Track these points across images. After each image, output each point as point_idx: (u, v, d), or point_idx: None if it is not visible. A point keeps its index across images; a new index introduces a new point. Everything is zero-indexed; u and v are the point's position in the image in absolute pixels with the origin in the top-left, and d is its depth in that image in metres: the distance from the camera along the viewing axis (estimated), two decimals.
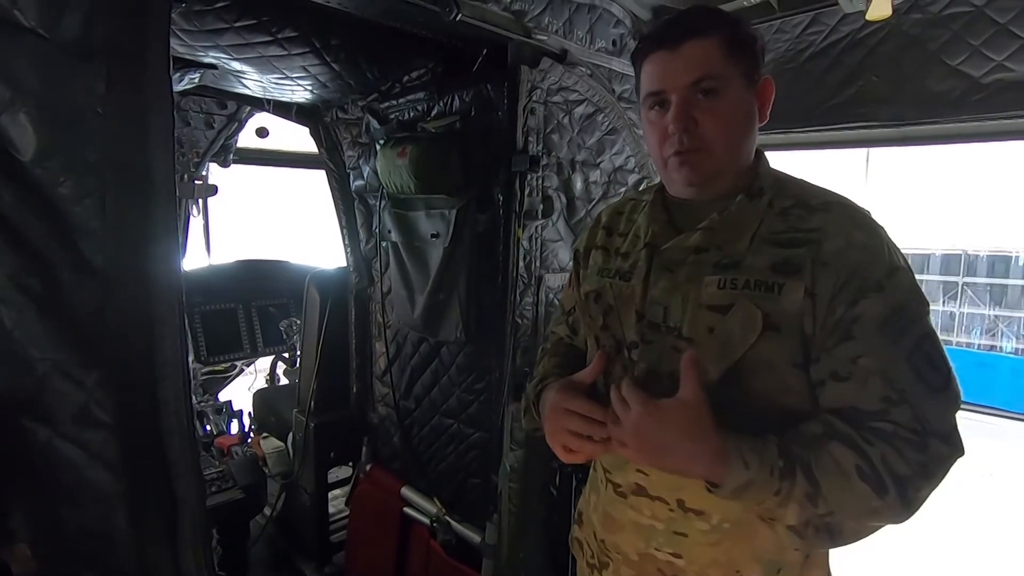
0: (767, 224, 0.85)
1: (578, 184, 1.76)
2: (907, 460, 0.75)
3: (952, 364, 0.79)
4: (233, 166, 2.96)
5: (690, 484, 0.87)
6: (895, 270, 0.79)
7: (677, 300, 0.88)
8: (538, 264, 1.69)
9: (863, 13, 1.51)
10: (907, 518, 0.78)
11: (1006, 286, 16.25)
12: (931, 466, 0.75)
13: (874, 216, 0.85)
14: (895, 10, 1.44)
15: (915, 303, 0.79)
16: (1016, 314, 15.92)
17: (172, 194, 0.94)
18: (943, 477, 0.77)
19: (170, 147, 0.93)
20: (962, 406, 0.80)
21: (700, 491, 0.84)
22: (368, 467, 2.37)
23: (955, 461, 0.77)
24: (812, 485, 0.75)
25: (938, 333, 0.81)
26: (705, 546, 0.89)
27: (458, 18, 1.34)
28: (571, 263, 1.24)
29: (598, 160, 1.82)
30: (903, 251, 0.84)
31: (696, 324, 0.86)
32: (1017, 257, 16.03)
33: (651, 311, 0.91)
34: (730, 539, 0.88)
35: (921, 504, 0.77)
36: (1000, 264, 16.44)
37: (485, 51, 1.68)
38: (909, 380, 0.77)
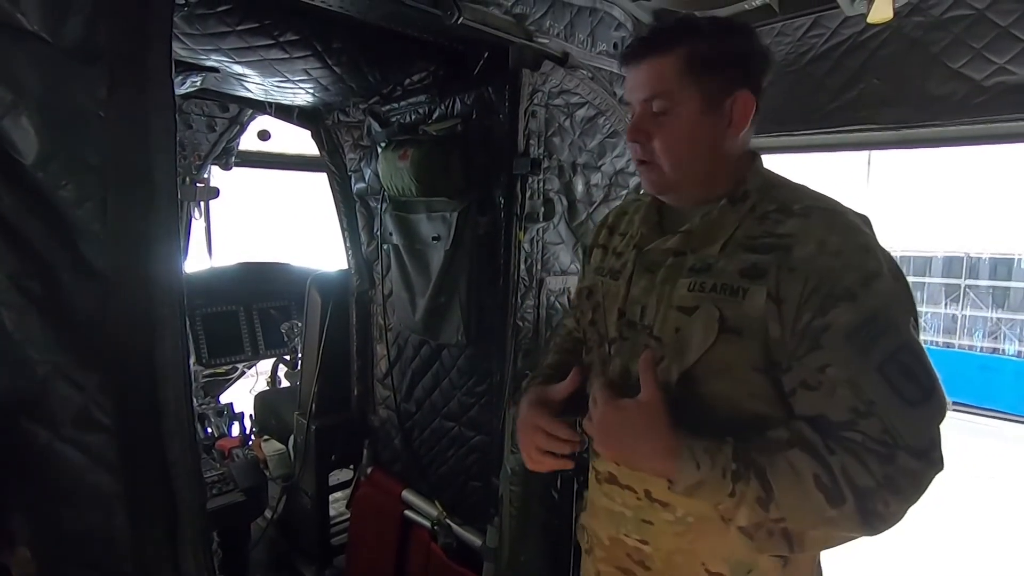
0: (744, 229, 0.86)
1: (579, 187, 1.76)
2: (871, 471, 0.74)
3: (937, 376, 0.77)
4: (235, 169, 2.96)
5: (656, 478, 0.90)
6: (872, 277, 0.78)
7: (653, 300, 0.91)
8: (539, 267, 1.69)
9: (864, 16, 1.51)
10: (872, 531, 0.77)
11: (1008, 289, 16.19)
12: (899, 480, 0.74)
13: (864, 222, 0.84)
14: (896, 13, 1.44)
15: (893, 311, 0.78)
16: (1018, 317, 15.85)
17: (174, 197, 0.94)
18: (916, 492, 0.76)
19: (172, 150, 0.94)
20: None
21: (665, 484, 0.87)
22: (369, 470, 2.37)
23: (931, 477, 0.76)
24: (765, 490, 0.76)
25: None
26: (670, 535, 0.92)
27: (459, 21, 1.34)
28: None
29: (599, 163, 1.82)
30: (897, 255, 0.82)
31: (665, 324, 0.88)
32: (1020, 260, 15.98)
33: (631, 310, 0.94)
34: (694, 532, 0.90)
35: (890, 518, 0.76)
36: (1002, 267, 16.40)
37: (486, 54, 1.68)
38: (880, 392, 0.75)
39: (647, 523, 0.93)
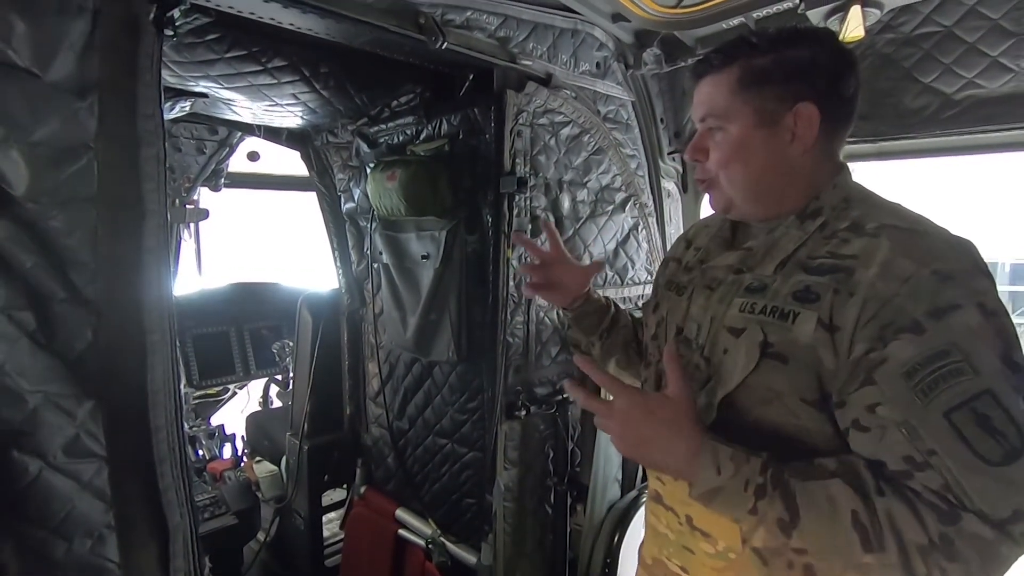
0: (808, 248, 0.80)
1: (566, 204, 1.78)
2: (924, 527, 0.63)
3: None
4: (224, 190, 2.97)
5: (675, 478, 0.87)
6: (947, 309, 0.66)
7: (707, 319, 0.88)
8: (528, 283, 1.71)
9: (837, 35, 1.56)
10: None
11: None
12: (960, 546, 0.62)
13: (961, 248, 0.72)
14: (868, 31, 1.49)
15: (973, 350, 0.65)
16: None
17: (163, 225, 0.96)
18: (986, 569, 0.62)
19: (162, 179, 0.95)
20: None
21: (707, 512, 0.82)
22: (362, 489, 2.35)
23: (1009, 554, 0.63)
24: (789, 513, 0.68)
25: None
26: (709, 569, 0.87)
27: (444, 46, 1.37)
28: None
29: (585, 179, 1.85)
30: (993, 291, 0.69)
31: (715, 344, 0.85)
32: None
33: (688, 327, 0.92)
34: (735, 570, 0.85)
35: None
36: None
37: (472, 76, 1.71)
38: (944, 442, 0.64)
39: (688, 551, 0.90)
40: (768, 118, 0.82)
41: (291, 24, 1.28)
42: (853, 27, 1.48)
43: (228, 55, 1.39)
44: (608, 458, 1.83)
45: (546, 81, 1.66)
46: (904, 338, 0.67)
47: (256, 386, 3.28)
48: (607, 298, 1.28)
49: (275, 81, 1.54)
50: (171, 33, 1.15)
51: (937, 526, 0.63)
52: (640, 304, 1.95)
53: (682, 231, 1.72)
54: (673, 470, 0.78)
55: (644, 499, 1.12)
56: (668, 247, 1.81)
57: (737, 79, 0.83)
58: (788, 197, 0.85)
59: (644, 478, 1.93)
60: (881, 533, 0.64)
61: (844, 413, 0.73)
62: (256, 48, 1.41)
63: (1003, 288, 16.08)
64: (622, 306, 1.30)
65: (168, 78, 1.52)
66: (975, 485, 0.63)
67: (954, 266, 0.69)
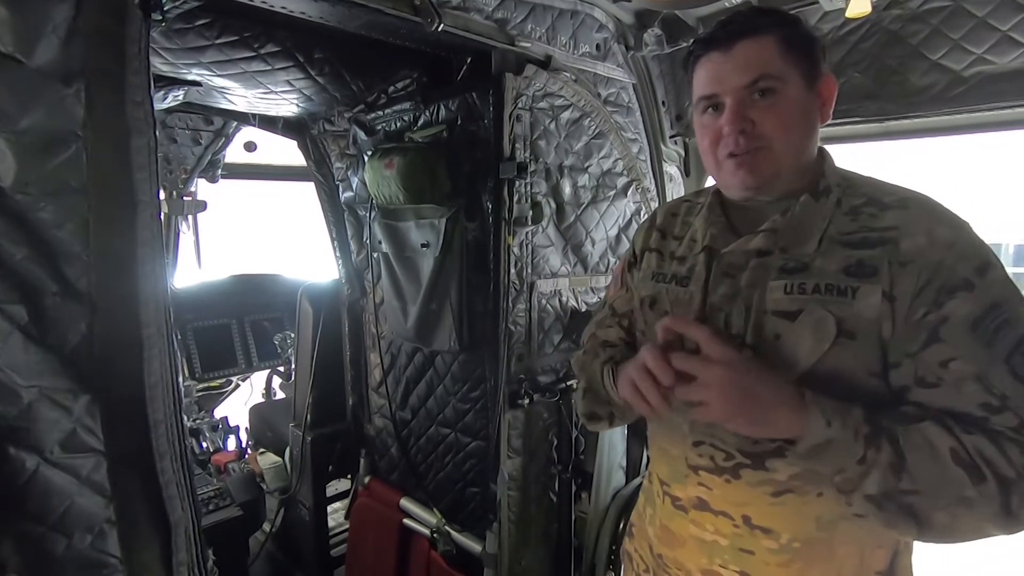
0: (835, 224, 0.81)
1: (566, 189, 1.76)
2: (1011, 461, 0.68)
3: None
4: (222, 181, 2.95)
5: (756, 499, 0.84)
6: (987, 266, 0.73)
7: (739, 306, 0.84)
8: (529, 270, 1.69)
9: (843, 11, 1.52)
10: (1007, 528, 0.70)
11: None
12: None
13: (957, 212, 0.79)
14: (874, 7, 1.45)
15: (1014, 302, 0.72)
16: None
17: (156, 215, 0.94)
18: None
19: (153, 168, 0.93)
20: None
21: (767, 507, 0.82)
22: (366, 479, 2.35)
23: None
24: (898, 456, 0.70)
25: None
26: (774, 566, 0.85)
27: (440, 28, 1.34)
28: (620, 263, 1.18)
29: (586, 164, 1.82)
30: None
31: (761, 331, 0.82)
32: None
33: (712, 318, 0.87)
34: (802, 560, 0.84)
35: None
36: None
37: (469, 60, 1.68)
38: (1011, 385, 0.70)
39: (747, 552, 0.87)
40: (810, 83, 0.82)
41: (283, 7, 1.25)
42: (859, 2, 1.44)
43: (219, 41, 1.36)
44: (612, 445, 1.82)
45: (545, 64, 1.63)
46: (960, 296, 0.72)
47: (259, 378, 3.29)
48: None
49: (268, 67, 1.51)
50: (159, 18, 1.12)
51: (1020, 457, 0.68)
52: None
53: None
54: (779, 427, 0.74)
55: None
56: None
57: (784, 40, 0.81)
58: (797, 173, 0.85)
59: (648, 465, 1.93)
60: (979, 467, 0.68)
61: (901, 373, 0.75)
62: (248, 33, 1.38)
63: (1008, 270, 15.99)
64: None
65: (160, 66, 1.49)
66: None
67: (971, 229, 0.77)
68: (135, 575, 0.94)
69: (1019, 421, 0.69)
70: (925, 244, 0.74)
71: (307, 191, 2.56)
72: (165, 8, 1.02)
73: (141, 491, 0.95)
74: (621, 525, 1.77)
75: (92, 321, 0.88)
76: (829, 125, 1.76)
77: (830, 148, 0.92)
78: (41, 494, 0.86)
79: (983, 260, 0.73)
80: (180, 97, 1.77)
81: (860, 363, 0.76)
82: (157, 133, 0.94)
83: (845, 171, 0.88)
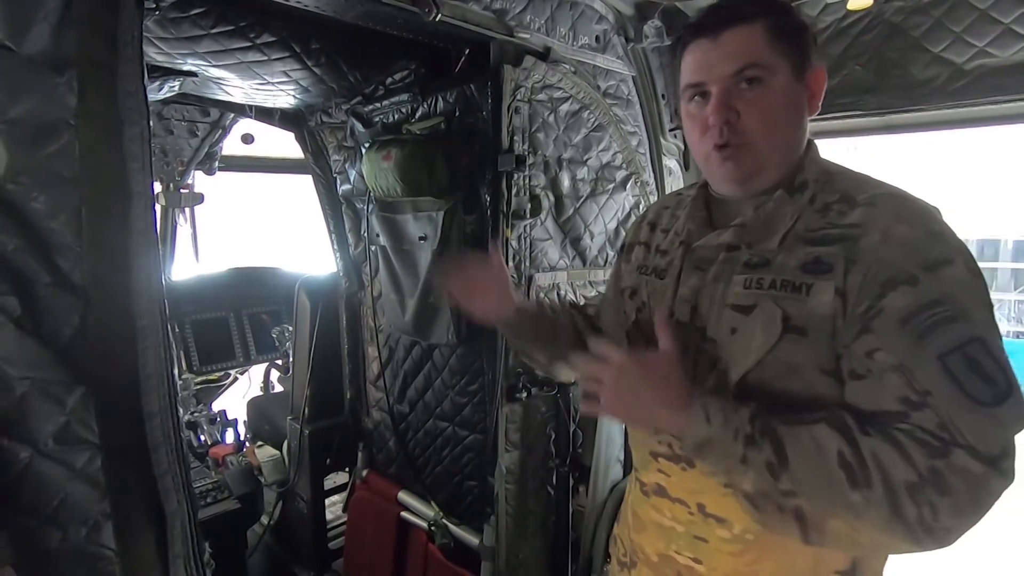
0: (804, 221, 0.80)
1: (565, 182, 1.75)
2: (912, 463, 0.65)
3: (1016, 382, 0.67)
4: (219, 173, 2.93)
5: (710, 488, 0.85)
6: (940, 263, 0.70)
7: (705, 299, 0.86)
8: (528, 264, 1.68)
9: (844, 3, 1.51)
10: (917, 541, 0.67)
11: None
12: (950, 480, 0.64)
13: (937, 213, 0.77)
14: None
15: (963, 300, 0.69)
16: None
17: (150, 206, 0.93)
18: (976, 502, 0.64)
19: (147, 159, 0.92)
20: None
21: (720, 496, 0.83)
22: (364, 473, 2.36)
23: (996, 487, 0.65)
24: (777, 456, 0.71)
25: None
26: (726, 555, 0.86)
27: (438, 18, 1.33)
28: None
29: (585, 157, 1.81)
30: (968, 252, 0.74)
31: (720, 324, 0.83)
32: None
33: (679, 309, 0.89)
34: (754, 551, 0.84)
35: (939, 530, 0.65)
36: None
37: (467, 51, 1.67)
38: (938, 384, 0.67)
39: (701, 540, 0.88)
40: (797, 74, 0.81)
41: None
42: None
43: (214, 30, 1.35)
44: (610, 439, 1.82)
45: (544, 55, 1.62)
46: (900, 289, 0.70)
47: (257, 371, 3.28)
48: (541, 302, 1.24)
49: (265, 58, 1.50)
50: (153, 6, 1.11)
51: (927, 460, 0.65)
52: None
53: None
54: (663, 423, 0.80)
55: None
56: None
57: (772, 28, 0.79)
58: (786, 166, 0.84)
59: None
60: (867, 471, 0.67)
61: (841, 367, 0.75)
62: (243, 23, 1.36)
63: (1006, 265, 16.03)
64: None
65: (154, 56, 1.47)
66: (967, 422, 0.65)
67: (942, 227, 0.74)
68: (130, 568, 0.94)
69: (939, 421, 0.66)
70: (878, 241, 0.73)
71: (304, 184, 2.55)
72: None
73: (136, 484, 0.94)
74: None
75: (86, 313, 0.87)
76: (829, 119, 1.77)
77: (831, 142, 0.92)
78: (35, 487, 0.85)
79: (939, 257, 0.71)
80: (176, 88, 1.75)
81: (811, 359, 0.76)
82: (151, 123, 0.93)
83: (829, 165, 0.86)
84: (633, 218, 1.98)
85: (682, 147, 2.19)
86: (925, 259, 0.70)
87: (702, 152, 0.86)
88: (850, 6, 1.48)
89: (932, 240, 0.72)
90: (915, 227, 0.73)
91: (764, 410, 0.74)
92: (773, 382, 0.78)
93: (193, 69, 1.61)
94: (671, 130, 2.12)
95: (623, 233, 1.95)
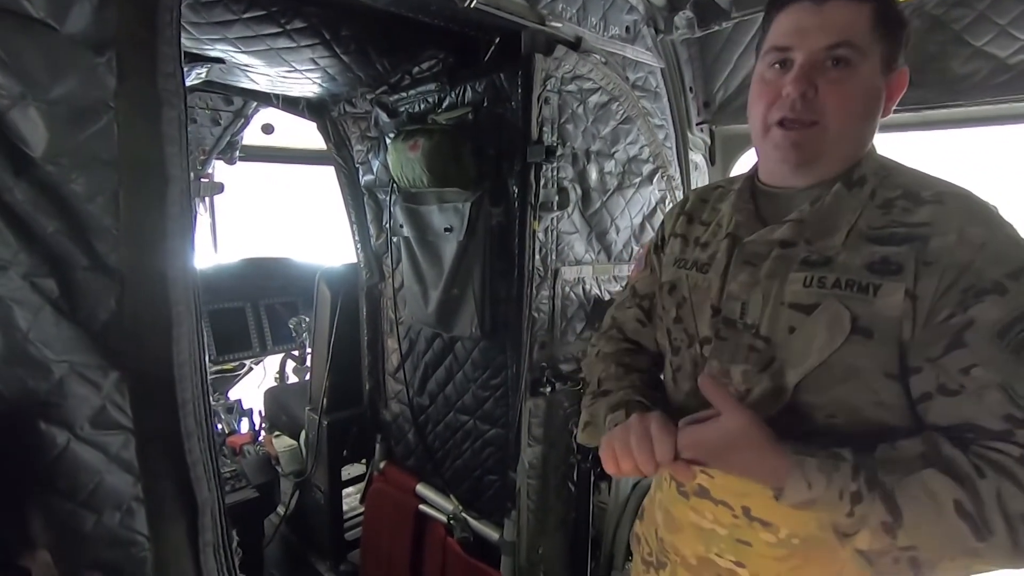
0: (865, 218, 0.76)
1: (593, 175, 1.72)
2: None
3: None
4: (239, 163, 2.93)
5: (757, 491, 0.81)
6: (1022, 271, 0.67)
7: (757, 296, 0.82)
8: (554, 257, 1.66)
9: None
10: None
11: None
12: None
13: (1002, 212, 0.74)
14: None
15: None
16: None
17: (187, 191, 0.92)
18: None
19: (184, 142, 0.91)
20: None
21: (768, 500, 0.78)
22: (382, 464, 2.35)
23: None
24: (892, 514, 0.66)
25: None
26: (770, 559, 0.84)
27: (472, 5, 1.31)
28: (645, 245, 1.17)
29: (612, 150, 1.78)
30: None
31: (776, 323, 0.79)
32: None
33: (727, 306, 0.85)
34: (799, 556, 0.82)
35: None
36: None
37: (497, 40, 1.64)
38: None
39: (744, 544, 0.85)
40: (887, 68, 0.77)
41: None
42: None
43: (246, 15, 1.33)
44: None
45: (575, 45, 1.59)
46: (988, 300, 0.67)
47: (272, 362, 3.29)
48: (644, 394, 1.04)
49: (294, 44, 1.48)
50: None
51: None
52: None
53: None
54: (764, 483, 0.75)
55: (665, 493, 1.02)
56: None
57: (879, 13, 0.75)
58: (846, 162, 0.80)
59: None
60: (986, 517, 0.63)
61: (922, 379, 0.71)
62: (275, 8, 1.35)
63: None
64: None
65: (184, 41, 1.46)
66: None
67: (1012, 228, 0.71)
68: (162, 554, 0.93)
69: None
70: (954, 243, 0.69)
71: (324, 174, 2.54)
72: None
73: (169, 470, 0.94)
74: None
75: (122, 297, 0.86)
76: None
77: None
78: (71, 470, 0.84)
79: (1019, 264, 0.68)
80: (203, 75, 1.75)
81: (876, 362, 0.73)
82: (187, 106, 0.92)
83: (885, 160, 0.82)
84: (659, 213, 1.95)
85: (708, 142, 2.16)
86: (1009, 267, 0.67)
87: (763, 125, 0.81)
88: None
89: (1011, 245, 0.69)
90: (991, 229, 0.70)
91: (862, 455, 0.69)
92: (831, 385, 0.75)
93: (221, 55, 1.60)
94: (698, 124, 2.09)
95: (648, 228, 1.93)
